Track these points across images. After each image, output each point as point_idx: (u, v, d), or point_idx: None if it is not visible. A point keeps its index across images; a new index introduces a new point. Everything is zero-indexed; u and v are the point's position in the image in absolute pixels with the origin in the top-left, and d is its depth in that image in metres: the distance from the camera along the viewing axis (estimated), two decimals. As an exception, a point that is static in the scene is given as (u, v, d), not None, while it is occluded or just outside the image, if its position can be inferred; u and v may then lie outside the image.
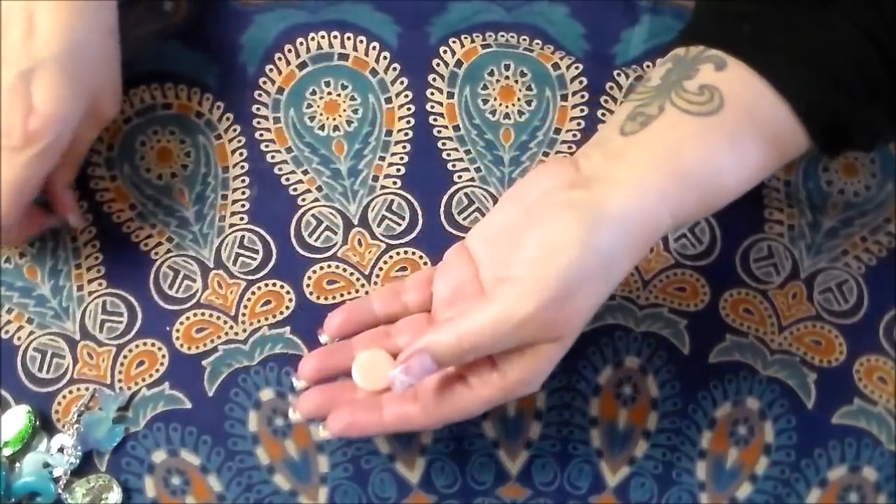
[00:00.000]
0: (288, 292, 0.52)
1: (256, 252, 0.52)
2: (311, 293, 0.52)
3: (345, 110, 0.55)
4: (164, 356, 0.51)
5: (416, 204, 0.53)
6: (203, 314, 0.52)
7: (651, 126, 0.42)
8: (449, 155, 0.54)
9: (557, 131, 0.55)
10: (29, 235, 0.52)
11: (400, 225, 0.53)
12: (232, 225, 0.53)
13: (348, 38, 0.55)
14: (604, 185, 0.41)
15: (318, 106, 0.55)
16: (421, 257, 0.53)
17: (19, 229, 0.49)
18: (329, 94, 0.55)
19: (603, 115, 0.55)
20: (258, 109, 0.54)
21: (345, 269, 0.52)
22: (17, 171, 0.45)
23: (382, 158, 0.54)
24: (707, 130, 0.42)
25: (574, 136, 0.55)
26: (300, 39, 0.55)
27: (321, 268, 0.52)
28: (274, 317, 0.52)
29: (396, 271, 0.53)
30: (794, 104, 0.41)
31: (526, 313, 0.39)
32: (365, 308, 0.47)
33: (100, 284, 0.52)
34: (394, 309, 0.47)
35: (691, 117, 0.42)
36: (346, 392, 0.46)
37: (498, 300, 0.40)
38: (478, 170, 0.54)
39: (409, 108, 0.55)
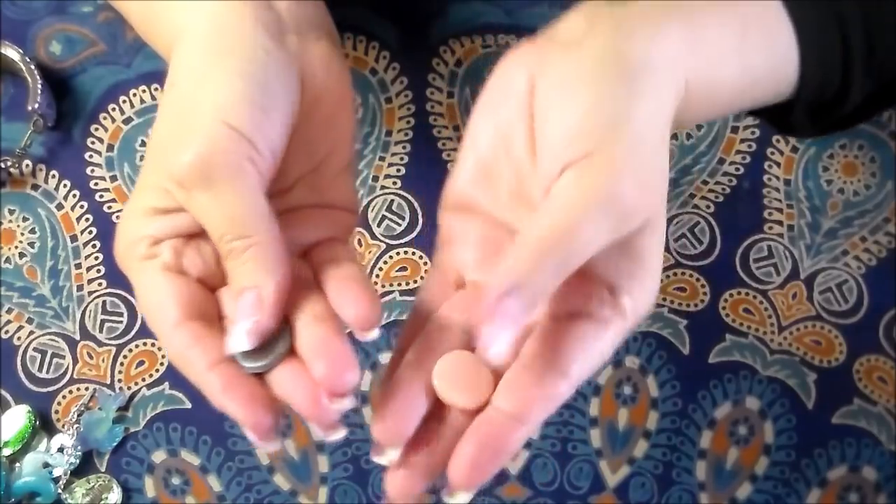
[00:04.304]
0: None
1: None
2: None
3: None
4: (163, 356, 0.51)
5: (416, 204, 0.53)
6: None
7: None
8: (449, 155, 0.54)
9: (557, 131, 0.55)
10: None
11: (400, 225, 0.53)
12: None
13: (348, 38, 0.55)
14: (609, 31, 0.35)
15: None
16: (421, 257, 0.53)
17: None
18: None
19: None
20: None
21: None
22: None
23: (382, 159, 0.54)
24: (721, 10, 0.37)
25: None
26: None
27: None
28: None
29: (396, 271, 0.53)
30: (798, 24, 0.38)
31: (608, 189, 0.32)
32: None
33: (100, 284, 0.52)
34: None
35: None
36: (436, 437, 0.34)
37: (563, 190, 0.32)
38: (478, 170, 0.54)
39: (409, 108, 0.55)
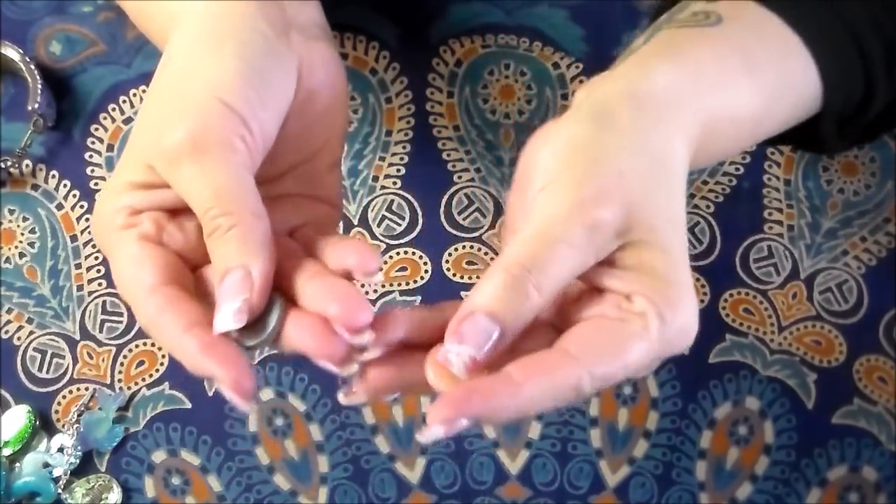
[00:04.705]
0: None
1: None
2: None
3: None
4: (163, 356, 0.51)
5: (416, 204, 0.53)
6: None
7: (642, 49, 0.38)
8: (449, 155, 0.54)
9: (557, 131, 0.55)
10: None
11: (400, 225, 0.53)
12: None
13: (348, 38, 0.55)
14: (598, 90, 0.37)
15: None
16: (421, 257, 0.53)
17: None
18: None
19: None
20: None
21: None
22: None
23: (382, 159, 0.54)
24: (710, 38, 0.38)
25: (574, 135, 0.55)
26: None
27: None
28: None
29: (396, 271, 0.53)
30: (805, 33, 0.38)
31: (570, 203, 0.33)
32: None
33: (100, 284, 0.52)
34: None
35: (689, 28, 0.38)
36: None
37: (533, 213, 0.34)
38: (478, 170, 0.54)
39: (409, 108, 0.55)
